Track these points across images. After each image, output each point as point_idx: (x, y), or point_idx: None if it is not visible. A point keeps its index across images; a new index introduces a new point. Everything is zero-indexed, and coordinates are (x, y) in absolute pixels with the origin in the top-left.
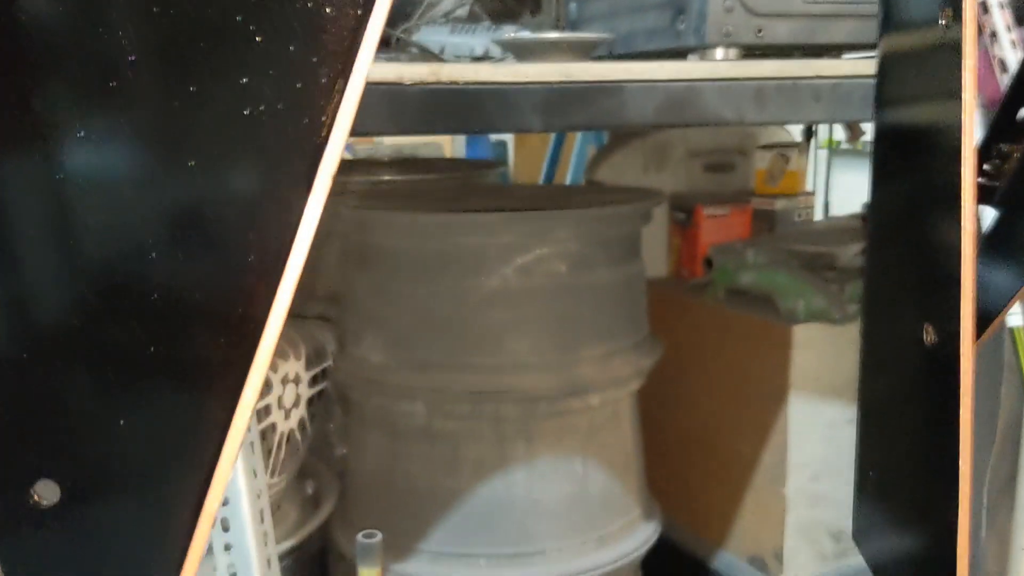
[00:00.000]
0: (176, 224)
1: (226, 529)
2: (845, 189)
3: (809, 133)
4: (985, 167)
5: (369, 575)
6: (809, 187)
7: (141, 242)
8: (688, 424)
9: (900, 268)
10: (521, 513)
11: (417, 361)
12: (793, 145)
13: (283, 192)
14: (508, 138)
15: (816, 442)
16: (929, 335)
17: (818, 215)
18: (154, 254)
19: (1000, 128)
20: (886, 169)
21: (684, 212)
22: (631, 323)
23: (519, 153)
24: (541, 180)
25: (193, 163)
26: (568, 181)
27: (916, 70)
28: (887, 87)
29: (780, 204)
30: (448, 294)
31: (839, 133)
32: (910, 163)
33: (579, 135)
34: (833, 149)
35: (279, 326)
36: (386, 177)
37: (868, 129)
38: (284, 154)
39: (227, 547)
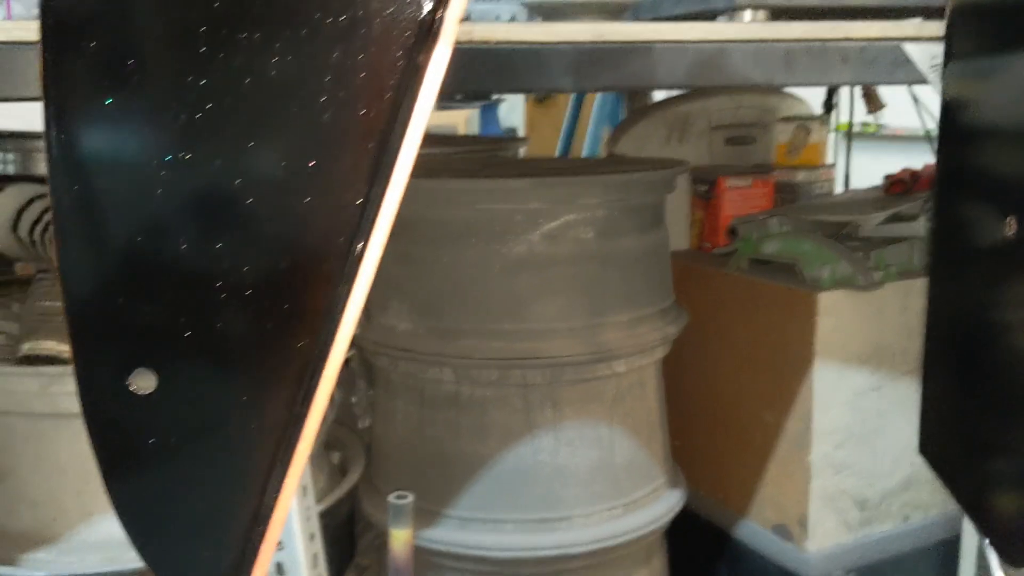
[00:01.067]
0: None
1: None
2: (864, 171)
3: (829, 107)
4: None
5: (400, 536)
6: (830, 160)
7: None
8: (712, 393)
9: (979, 170)
10: (548, 479)
11: (444, 328)
12: (814, 118)
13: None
14: (519, 123)
15: (841, 410)
16: (1011, 228)
17: (839, 188)
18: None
19: None
20: (966, 72)
21: (706, 184)
22: (657, 290)
23: (531, 138)
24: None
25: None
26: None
27: None
28: None
29: (801, 176)
30: (475, 261)
31: (858, 113)
32: (994, 65)
33: (592, 116)
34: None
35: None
36: None
37: (887, 102)
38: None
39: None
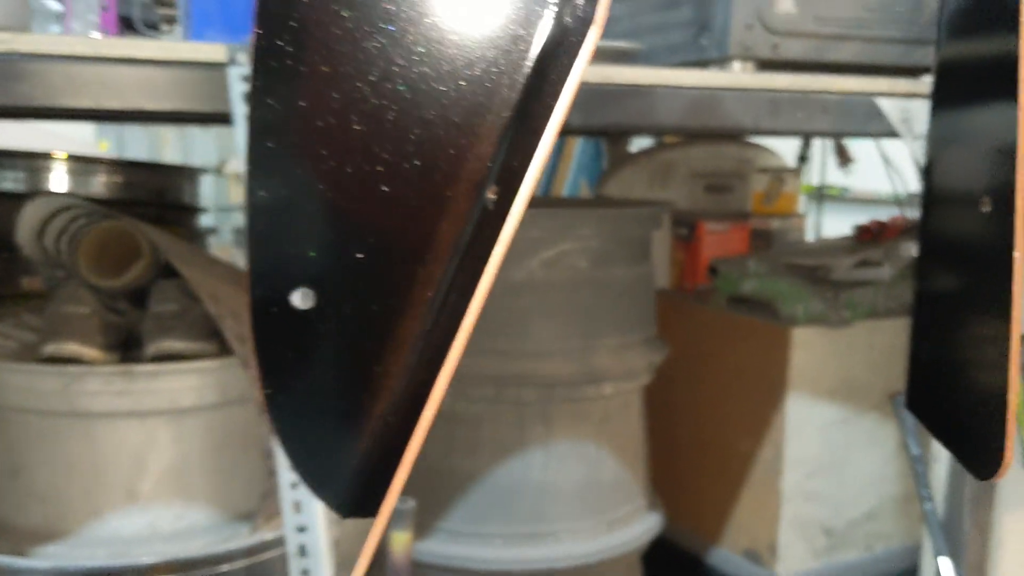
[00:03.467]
0: None
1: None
2: (831, 228)
3: (803, 159)
4: None
5: (400, 539)
6: (802, 210)
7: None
8: (688, 423)
9: (961, 158)
10: (537, 495)
11: None
12: (788, 170)
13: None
14: None
15: (812, 440)
16: (986, 205)
17: (809, 236)
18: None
19: None
20: (948, 98)
21: (686, 228)
22: (643, 320)
23: None
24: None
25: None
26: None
27: None
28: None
29: (776, 224)
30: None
31: (831, 174)
32: (969, 96)
33: (572, 167)
34: (819, 193)
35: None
36: None
37: (856, 157)
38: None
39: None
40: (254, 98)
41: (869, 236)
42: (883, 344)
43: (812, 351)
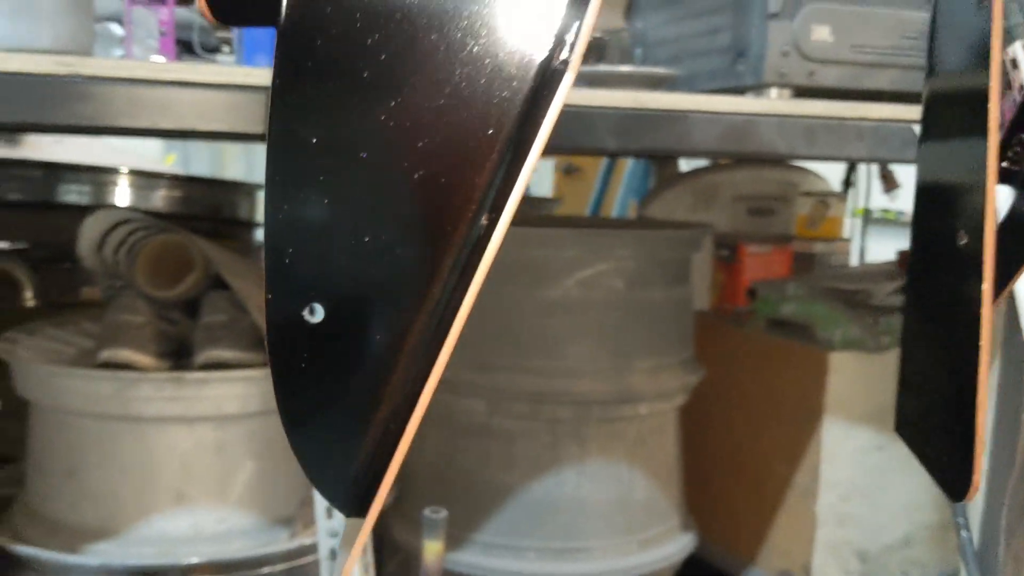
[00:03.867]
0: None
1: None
2: (880, 251)
3: (848, 184)
4: (1008, 154)
5: (433, 548)
6: (847, 234)
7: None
8: (725, 444)
9: (943, 195)
10: (570, 511)
11: (480, 361)
12: (833, 194)
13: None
14: (547, 193)
15: (847, 464)
16: (962, 238)
17: (854, 260)
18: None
19: (1021, 122)
20: (933, 129)
21: (728, 250)
22: (679, 341)
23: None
24: None
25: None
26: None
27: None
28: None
29: (819, 248)
30: (513, 301)
31: (875, 199)
32: (950, 129)
33: (621, 187)
34: (866, 217)
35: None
36: None
37: (903, 182)
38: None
39: (329, 512)
40: (270, 122)
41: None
42: None
43: (849, 376)
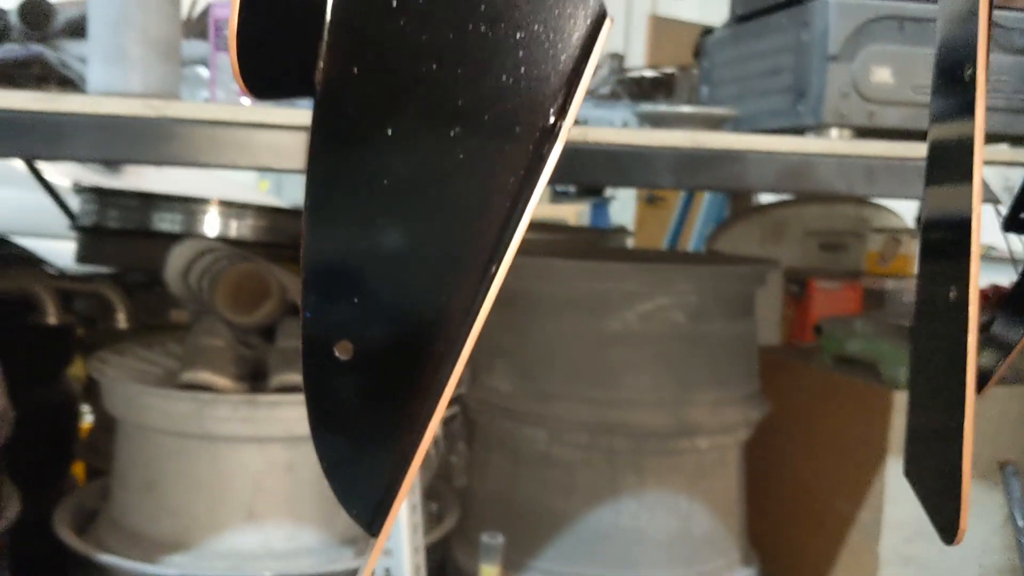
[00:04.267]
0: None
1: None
2: None
3: (920, 220)
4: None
5: (490, 572)
6: None
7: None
8: (789, 479)
9: (941, 256)
10: (628, 540)
11: (541, 392)
12: (906, 230)
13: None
14: (629, 219)
15: (912, 504)
16: (953, 293)
17: None
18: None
19: None
20: (934, 180)
21: (798, 285)
22: (742, 376)
23: (639, 236)
24: None
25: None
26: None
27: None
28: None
29: (891, 284)
30: (574, 333)
31: None
32: (942, 173)
33: (700, 217)
34: None
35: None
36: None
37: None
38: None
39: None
40: (308, 166)
41: (985, 300)
42: (991, 411)
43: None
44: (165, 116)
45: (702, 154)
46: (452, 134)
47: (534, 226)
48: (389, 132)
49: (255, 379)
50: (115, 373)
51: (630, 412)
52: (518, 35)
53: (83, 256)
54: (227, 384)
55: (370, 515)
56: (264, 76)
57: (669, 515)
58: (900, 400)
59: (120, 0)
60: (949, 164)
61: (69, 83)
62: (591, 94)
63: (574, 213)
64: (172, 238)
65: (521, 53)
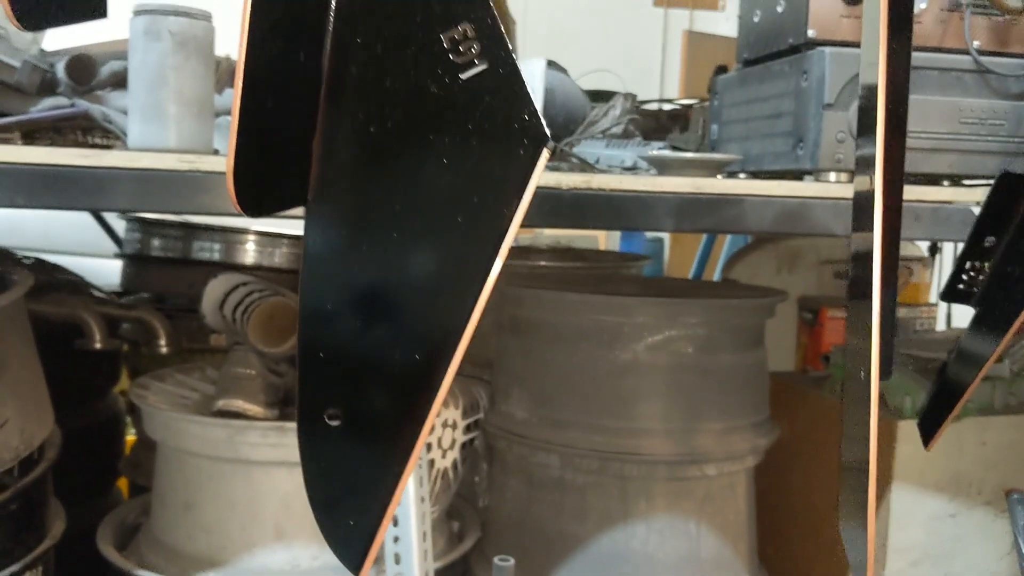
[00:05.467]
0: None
1: (396, 540)
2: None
3: (934, 250)
4: (963, 277)
5: None
6: (933, 299)
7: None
8: (799, 504)
9: (860, 295)
10: (638, 564)
11: (555, 419)
12: (918, 259)
13: (470, 269)
14: (664, 236)
15: (918, 530)
16: (864, 374)
17: (941, 326)
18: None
19: (971, 251)
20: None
21: (811, 313)
22: (751, 404)
23: (674, 250)
24: (691, 275)
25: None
26: (716, 278)
27: None
28: None
29: (902, 312)
30: (585, 363)
31: None
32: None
33: (727, 241)
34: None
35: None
36: (542, 263)
37: None
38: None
39: (396, 558)
40: (305, 247)
41: None
42: (997, 440)
43: (919, 445)
44: (198, 170)
45: (702, 199)
46: (420, 242)
47: (557, 252)
48: (364, 248)
49: (284, 404)
50: (156, 399)
51: (640, 440)
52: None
53: (128, 281)
54: (258, 411)
55: (355, 559)
56: (257, 200)
57: (679, 539)
58: (905, 430)
59: (157, 63)
60: (860, 213)
61: (112, 133)
62: (603, 134)
63: (604, 233)
64: (212, 266)
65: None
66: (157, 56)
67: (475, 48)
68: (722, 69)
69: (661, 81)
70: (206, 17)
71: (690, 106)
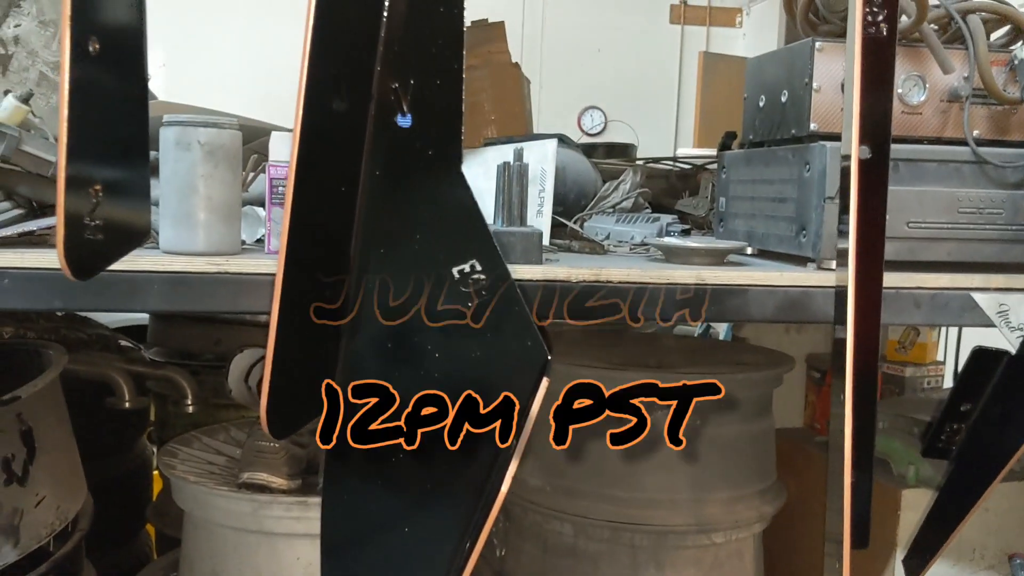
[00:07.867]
0: None
1: None
2: None
3: None
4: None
5: None
6: (940, 357)
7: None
8: (808, 563)
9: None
10: None
11: (567, 488)
12: None
13: None
14: None
15: None
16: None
17: (948, 383)
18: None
19: (949, 414)
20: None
21: (819, 372)
22: (757, 472)
23: None
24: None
25: None
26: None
27: None
28: None
29: (909, 371)
30: (596, 433)
31: None
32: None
33: None
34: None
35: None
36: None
37: None
38: None
39: None
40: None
41: None
42: (999, 507)
43: (921, 513)
44: (225, 272)
45: (706, 289)
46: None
47: None
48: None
49: (307, 473)
50: (183, 469)
51: (650, 510)
52: None
53: (155, 336)
54: (281, 483)
55: None
56: (287, 425)
57: None
58: (909, 498)
59: (188, 172)
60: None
61: None
62: (614, 208)
63: None
64: (236, 324)
65: None
66: (187, 166)
67: None
68: (731, 135)
69: (678, 101)
70: (232, 125)
71: (700, 167)
